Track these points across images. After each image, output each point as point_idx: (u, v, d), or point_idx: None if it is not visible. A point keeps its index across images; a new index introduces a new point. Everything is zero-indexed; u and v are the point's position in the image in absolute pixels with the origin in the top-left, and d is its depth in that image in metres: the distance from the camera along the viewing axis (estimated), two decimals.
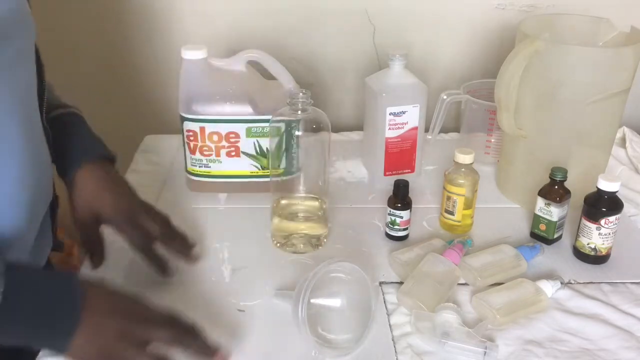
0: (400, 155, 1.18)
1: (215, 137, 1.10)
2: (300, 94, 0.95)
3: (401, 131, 1.15)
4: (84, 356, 0.64)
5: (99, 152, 0.92)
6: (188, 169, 1.14)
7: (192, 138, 1.10)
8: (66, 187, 0.89)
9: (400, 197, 1.01)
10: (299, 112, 0.95)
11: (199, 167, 1.13)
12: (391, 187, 1.02)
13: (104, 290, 0.68)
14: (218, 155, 1.11)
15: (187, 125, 1.09)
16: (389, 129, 1.14)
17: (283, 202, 1.03)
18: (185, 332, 0.69)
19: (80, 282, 0.66)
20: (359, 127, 1.30)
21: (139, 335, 0.66)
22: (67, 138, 0.89)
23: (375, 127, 1.15)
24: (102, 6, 1.38)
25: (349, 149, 1.33)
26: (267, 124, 1.05)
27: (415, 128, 1.15)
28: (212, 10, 1.39)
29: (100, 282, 0.69)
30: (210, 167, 1.12)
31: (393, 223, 1.02)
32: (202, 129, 1.09)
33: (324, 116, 0.97)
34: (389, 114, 1.13)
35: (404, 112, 1.13)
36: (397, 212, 1.01)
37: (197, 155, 1.11)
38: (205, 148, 1.11)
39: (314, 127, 0.96)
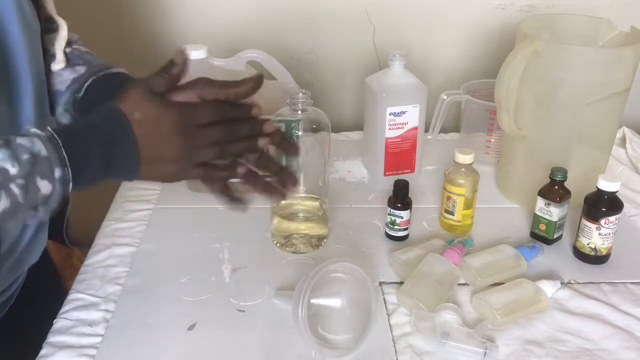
0: (400, 155, 1.18)
1: None
2: (300, 94, 0.95)
3: (401, 131, 1.15)
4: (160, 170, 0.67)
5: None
6: None
7: None
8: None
9: (400, 197, 1.01)
10: (299, 112, 0.95)
11: None
12: (391, 187, 1.02)
13: (143, 104, 0.67)
14: None
15: None
16: (389, 129, 1.14)
17: (283, 202, 1.03)
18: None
19: (119, 110, 0.66)
20: (359, 127, 1.30)
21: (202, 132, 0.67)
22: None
23: (375, 127, 1.15)
24: (102, 7, 1.38)
25: (349, 149, 1.33)
26: None
27: (415, 128, 1.15)
28: (212, 10, 1.39)
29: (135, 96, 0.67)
30: None
31: (393, 223, 1.02)
32: None
33: (324, 116, 0.97)
34: (389, 114, 1.13)
35: (404, 112, 1.13)
36: (397, 212, 1.01)
37: None
38: None
39: (314, 127, 0.96)
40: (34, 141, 0.61)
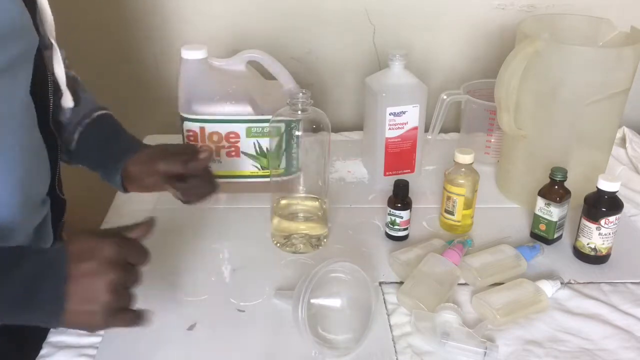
0: (400, 155, 1.18)
1: (215, 137, 1.10)
2: (300, 94, 0.95)
3: (401, 131, 1.15)
4: (82, 322, 0.64)
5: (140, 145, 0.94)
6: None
7: (192, 138, 1.10)
8: (110, 179, 0.91)
9: (400, 197, 1.01)
10: (299, 112, 0.95)
11: None
12: (391, 187, 1.02)
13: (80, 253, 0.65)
14: (218, 155, 1.11)
15: (187, 126, 1.09)
16: (389, 129, 1.14)
17: (283, 202, 1.03)
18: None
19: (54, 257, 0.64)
20: (359, 127, 1.30)
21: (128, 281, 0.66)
22: (108, 139, 0.93)
23: (375, 127, 1.15)
24: (102, 7, 1.38)
25: (349, 149, 1.33)
26: (267, 124, 1.05)
27: (415, 128, 1.15)
28: (212, 10, 1.39)
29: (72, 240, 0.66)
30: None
31: (393, 223, 1.02)
32: (202, 129, 1.09)
33: (324, 116, 0.97)
34: (389, 114, 1.13)
35: (404, 112, 1.13)
36: (397, 212, 1.01)
37: None
38: None
39: (314, 127, 0.96)
40: None
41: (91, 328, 0.66)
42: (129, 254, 0.66)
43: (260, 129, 1.09)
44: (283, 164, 1.03)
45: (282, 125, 1.00)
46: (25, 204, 0.79)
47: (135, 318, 0.66)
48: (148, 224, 0.69)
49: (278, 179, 1.03)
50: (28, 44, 0.78)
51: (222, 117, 1.08)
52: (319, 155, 1.00)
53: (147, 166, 0.88)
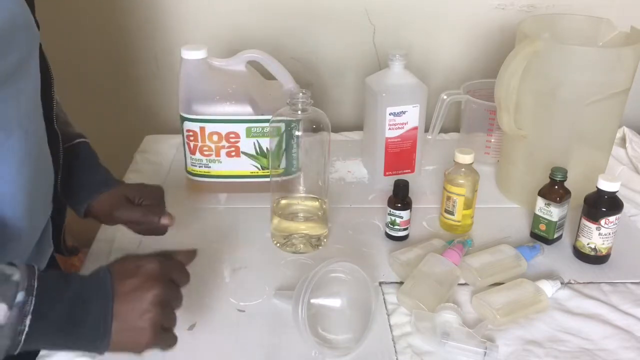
0: (400, 155, 1.18)
1: (215, 137, 1.10)
2: (300, 94, 0.94)
3: (401, 131, 1.15)
4: (129, 341, 0.63)
5: (109, 183, 0.93)
6: (188, 169, 1.14)
7: (192, 138, 1.10)
8: (76, 210, 0.92)
9: (400, 197, 1.01)
10: (299, 112, 0.95)
11: (199, 167, 1.13)
12: (391, 187, 1.02)
13: (124, 280, 0.64)
14: (218, 155, 1.11)
15: (187, 125, 1.09)
16: (389, 129, 1.14)
17: (283, 202, 1.03)
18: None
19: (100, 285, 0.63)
20: (359, 127, 1.30)
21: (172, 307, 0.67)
22: (79, 171, 0.92)
23: (375, 127, 1.15)
24: (102, 7, 1.38)
25: (349, 149, 1.33)
26: (267, 124, 1.05)
27: (415, 128, 1.15)
28: (212, 10, 1.39)
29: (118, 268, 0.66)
30: (210, 167, 1.12)
31: (393, 223, 1.02)
32: (202, 129, 1.09)
33: (324, 116, 0.97)
34: (389, 114, 1.13)
35: (404, 112, 1.13)
36: (397, 212, 1.01)
37: (197, 155, 1.11)
38: (205, 148, 1.11)
39: (314, 127, 0.96)
40: (12, 267, 0.59)
41: (138, 347, 0.63)
42: (172, 272, 0.67)
43: (260, 129, 1.09)
44: (283, 164, 1.03)
45: (282, 125, 0.99)
46: (32, 206, 0.78)
47: (175, 340, 0.67)
48: (191, 252, 0.72)
49: (278, 179, 1.03)
50: (33, 40, 0.77)
51: (222, 117, 1.08)
52: (319, 155, 1.00)
53: (110, 210, 0.89)
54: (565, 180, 0.99)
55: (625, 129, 1.35)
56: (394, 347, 0.82)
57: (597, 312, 0.88)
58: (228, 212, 1.12)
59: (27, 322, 0.57)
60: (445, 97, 1.21)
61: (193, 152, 1.11)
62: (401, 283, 0.92)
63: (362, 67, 1.42)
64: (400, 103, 1.13)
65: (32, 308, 0.58)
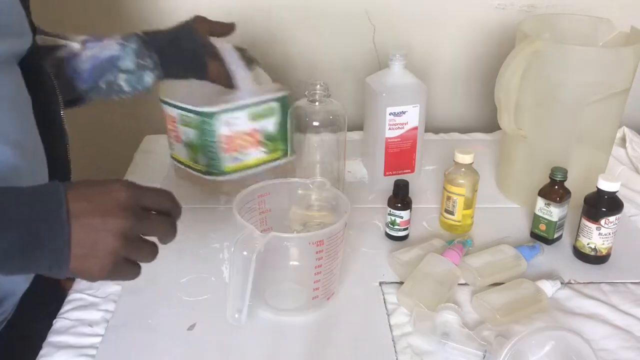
0: (400, 155, 1.18)
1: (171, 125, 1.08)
2: (318, 85, 0.94)
3: (401, 131, 1.15)
4: (88, 269, 0.59)
5: None
6: (173, 155, 1.13)
7: (170, 127, 1.09)
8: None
9: (400, 197, 1.01)
10: (316, 103, 0.94)
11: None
12: (391, 187, 1.02)
13: (84, 191, 0.60)
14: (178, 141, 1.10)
15: (168, 111, 1.08)
16: (389, 129, 1.14)
17: (300, 192, 1.03)
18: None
19: (57, 193, 0.58)
20: (359, 127, 1.30)
21: (139, 229, 0.61)
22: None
23: (375, 127, 1.15)
24: (101, 6, 1.38)
25: (349, 149, 1.32)
26: (238, 109, 1.01)
27: (415, 128, 1.15)
28: (211, 9, 1.39)
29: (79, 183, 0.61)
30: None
31: (393, 223, 1.02)
32: (172, 117, 1.08)
33: (340, 107, 0.97)
34: (389, 114, 1.13)
35: (404, 112, 1.13)
36: (397, 212, 1.01)
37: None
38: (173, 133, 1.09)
39: (331, 118, 0.96)
40: None
41: (93, 278, 0.59)
42: (145, 199, 0.61)
43: (189, 118, 1.04)
44: (283, 146, 1.02)
45: (277, 105, 0.98)
46: None
47: (137, 272, 0.62)
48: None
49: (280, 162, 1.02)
50: (16, 44, 0.75)
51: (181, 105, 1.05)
52: (334, 145, 0.99)
53: None
54: (565, 180, 0.99)
55: (625, 129, 1.35)
56: (394, 347, 0.82)
57: (597, 312, 0.88)
58: (228, 212, 1.12)
59: None
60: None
61: (177, 140, 1.10)
62: (401, 283, 0.92)
63: (362, 67, 1.42)
64: (400, 103, 1.13)
65: None
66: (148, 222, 0.62)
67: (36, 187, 0.59)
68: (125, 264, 0.61)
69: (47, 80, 0.83)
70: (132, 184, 0.62)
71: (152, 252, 0.63)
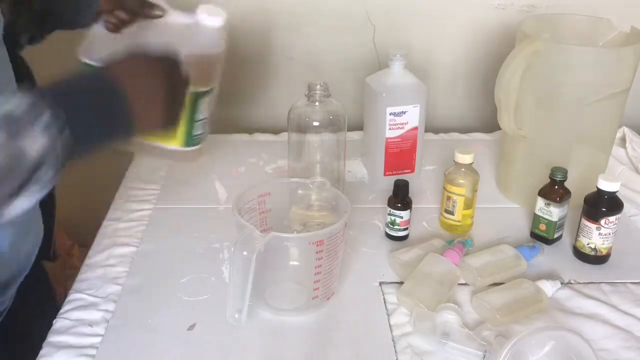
0: (400, 155, 1.18)
1: None
2: (318, 85, 0.94)
3: (401, 131, 1.15)
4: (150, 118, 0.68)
5: None
6: None
7: None
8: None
9: (400, 197, 1.01)
10: (316, 103, 0.94)
11: None
12: (391, 187, 1.02)
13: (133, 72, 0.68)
14: None
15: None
16: (389, 129, 1.14)
17: (300, 192, 1.03)
18: None
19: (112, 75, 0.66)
20: (359, 127, 1.30)
21: None
22: None
23: (375, 127, 1.15)
24: None
25: (349, 149, 1.32)
26: None
27: (416, 128, 1.15)
28: None
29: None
30: None
31: (393, 223, 1.02)
32: None
33: (341, 107, 0.96)
34: (389, 114, 1.13)
35: (404, 112, 1.13)
36: (397, 212, 1.01)
37: None
38: None
39: (331, 118, 0.96)
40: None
41: (157, 123, 0.69)
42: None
43: None
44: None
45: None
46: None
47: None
48: None
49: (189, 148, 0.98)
50: None
51: None
52: (334, 146, 0.99)
53: None
54: (565, 180, 0.99)
55: (625, 129, 1.35)
56: (394, 347, 0.82)
57: (597, 312, 0.88)
58: (228, 212, 1.12)
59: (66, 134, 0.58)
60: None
61: None
62: (401, 283, 0.92)
63: (362, 67, 1.42)
64: (400, 103, 1.13)
65: (65, 121, 0.58)
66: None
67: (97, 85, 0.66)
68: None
69: (22, 65, 0.83)
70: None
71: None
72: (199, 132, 0.94)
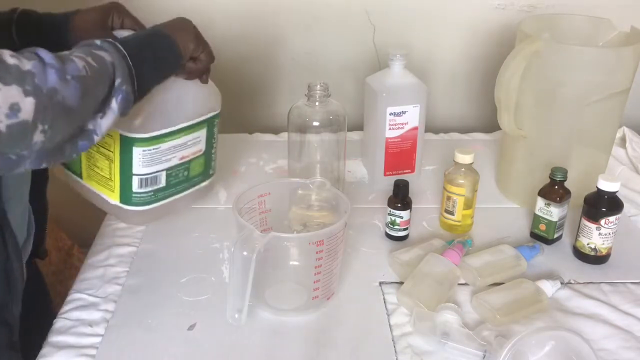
0: (400, 155, 1.18)
1: None
2: (318, 85, 0.94)
3: (401, 131, 1.15)
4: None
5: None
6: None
7: None
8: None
9: (400, 197, 1.01)
10: (317, 103, 0.94)
11: None
12: (391, 187, 1.02)
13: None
14: None
15: None
16: (389, 129, 1.14)
17: (300, 192, 1.03)
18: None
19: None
20: (359, 127, 1.30)
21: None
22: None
23: (376, 127, 1.15)
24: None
25: (349, 149, 1.32)
26: None
27: (416, 128, 1.15)
28: (212, 10, 1.39)
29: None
30: None
31: (393, 223, 1.02)
32: None
33: (341, 107, 0.96)
34: (389, 114, 1.13)
35: (404, 112, 1.13)
36: (397, 212, 1.01)
37: None
38: None
39: (331, 119, 0.96)
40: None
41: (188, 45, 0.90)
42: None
43: None
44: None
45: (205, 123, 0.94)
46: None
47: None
48: None
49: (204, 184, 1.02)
50: None
51: None
52: (334, 146, 0.99)
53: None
54: (565, 180, 0.99)
55: (625, 129, 1.35)
56: (394, 347, 0.82)
57: (597, 312, 0.88)
58: (228, 212, 1.12)
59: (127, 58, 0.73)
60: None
61: None
62: (401, 283, 0.92)
63: (362, 67, 1.42)
64: (400, 103, 1.13)
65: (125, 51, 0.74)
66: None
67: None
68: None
69: None
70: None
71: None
72: (143, 191, 0.89)
